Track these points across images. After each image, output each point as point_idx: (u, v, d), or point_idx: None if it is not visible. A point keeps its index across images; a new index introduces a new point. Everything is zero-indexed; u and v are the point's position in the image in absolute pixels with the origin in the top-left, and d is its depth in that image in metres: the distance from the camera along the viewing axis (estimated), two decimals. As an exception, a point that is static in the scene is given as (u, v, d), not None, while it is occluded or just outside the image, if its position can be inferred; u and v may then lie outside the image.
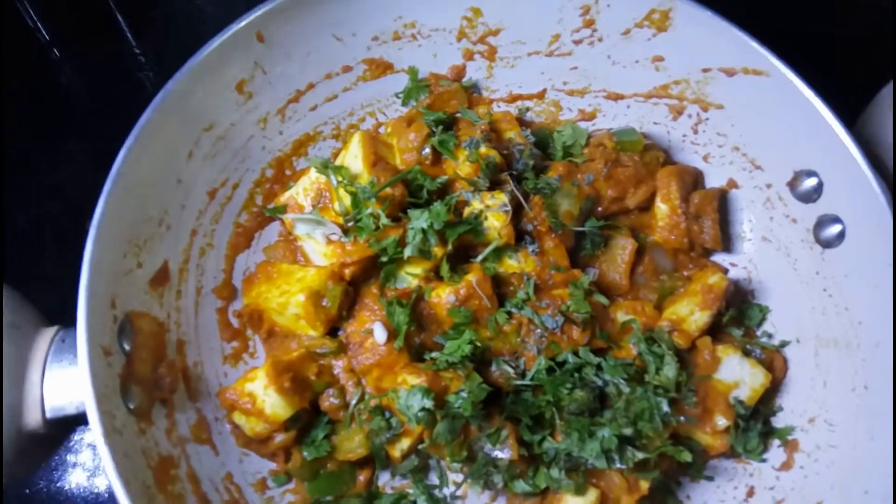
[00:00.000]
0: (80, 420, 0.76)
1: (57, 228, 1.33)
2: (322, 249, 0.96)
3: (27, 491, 1.11)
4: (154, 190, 0.87)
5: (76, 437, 1.16)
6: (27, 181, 1.36)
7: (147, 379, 0.80)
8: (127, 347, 0.79)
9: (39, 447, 0.79)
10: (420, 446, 0.89)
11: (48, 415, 0.75)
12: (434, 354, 0.91)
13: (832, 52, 1.36)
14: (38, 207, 1.34)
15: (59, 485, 1.13)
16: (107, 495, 1.14)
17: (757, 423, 0.94)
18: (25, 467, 0.82)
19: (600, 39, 1.06)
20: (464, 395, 0.86)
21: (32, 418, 0.74)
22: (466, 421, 0.87)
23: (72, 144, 1.42)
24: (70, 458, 1.16)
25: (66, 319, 0.83)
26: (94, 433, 0.69)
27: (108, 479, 1.13)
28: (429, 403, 0.84)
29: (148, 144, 0.83)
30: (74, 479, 1.14)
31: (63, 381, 0.75)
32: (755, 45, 0.94)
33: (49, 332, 0.79)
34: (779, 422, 0.96)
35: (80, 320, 0.72)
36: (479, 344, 0.90)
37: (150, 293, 0.87)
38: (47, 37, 1.51)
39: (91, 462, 1.16)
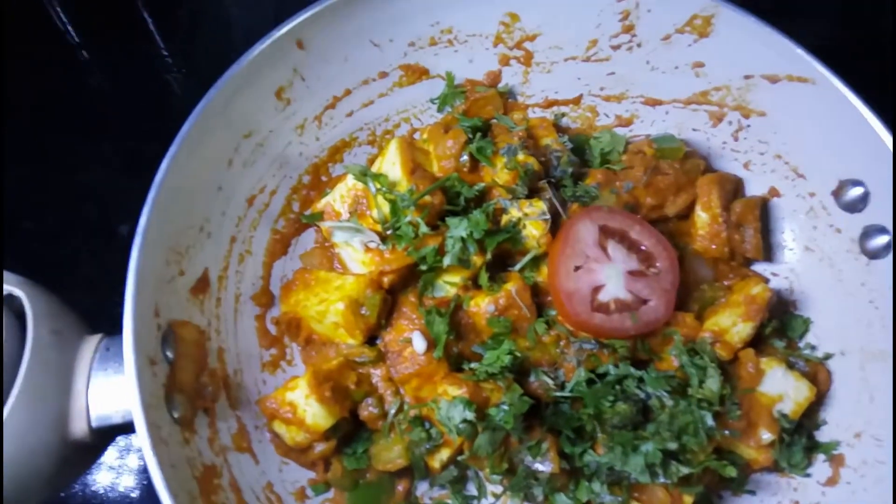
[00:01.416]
0: (124, 429, 0.76)
1: (91, 229, 1.33)
2: (360, 257, 0.95)
3: (62, 494, 1.12)
4: (196, 197, 0.87)
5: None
6: (60, 182, 1.37)
7: (190, 388, 0.80)
8: (170, 356, 0.79)
9: (84, 456, 0.79)
10: (460, 457, 0.88)
11: (94, 424, 0.74)
12: (473, 365, 0.90)
13: (880, 57, 1.34)
14: (72, 208, 1.35)
15: (93, 488, 1.13)
16: (134, 494, 1.14)
17: (801, 438, 0.92)
18: (69, 477, 0.83)
19: (639, 45, 1.04)
20: (505, 407, 0.85)
21: (78, 427, 0.74)
22: (507, 433, 0.86)
23: (102, 145, 1.43)
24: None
25: (105, 324, 0.83)
26: (141, 444, 0.68)
27: (136, 480, 1.15)
28: (470, 415, 0.83)
29: (191, 152, 0.82)
30: (102, 479, 1.15)
31: (108, 389, 0.75)
32: (800, 51, 0.92)
33: (93, 340, 0.79)
34: (823, 436, 0.94)
35: (126, 330, 0.72)
36: (518, 354, 0.89)
37: (192, 301, 0.86)
38: (77, 39, 1.52)
39: (116, 461, 1.16)
